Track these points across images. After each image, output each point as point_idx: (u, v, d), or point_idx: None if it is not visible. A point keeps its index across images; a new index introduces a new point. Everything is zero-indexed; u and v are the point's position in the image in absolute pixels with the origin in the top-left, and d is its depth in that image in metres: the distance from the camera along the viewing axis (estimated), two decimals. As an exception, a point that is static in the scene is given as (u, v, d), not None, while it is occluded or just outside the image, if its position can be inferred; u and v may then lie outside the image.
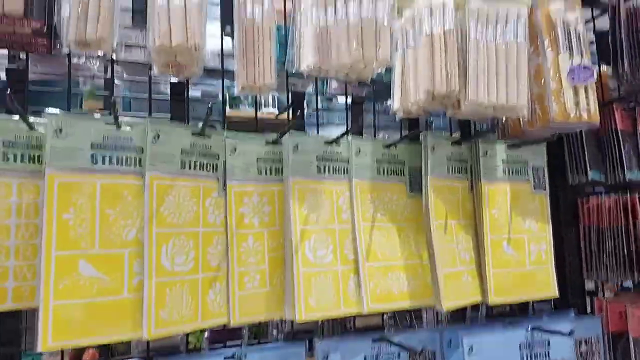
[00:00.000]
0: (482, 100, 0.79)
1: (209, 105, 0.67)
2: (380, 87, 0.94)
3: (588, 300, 1.08)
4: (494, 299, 0.90)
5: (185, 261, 0.69)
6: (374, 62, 0.73)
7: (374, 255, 0.83)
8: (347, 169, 0.84)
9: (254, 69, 0.71)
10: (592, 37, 1.19)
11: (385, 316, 0.93)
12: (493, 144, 0.94)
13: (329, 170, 0.82)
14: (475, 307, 1.00)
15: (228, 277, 0.74)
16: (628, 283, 1.10)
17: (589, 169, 1.02)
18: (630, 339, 0.95)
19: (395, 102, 0.86)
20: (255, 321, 0.77)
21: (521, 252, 0.93)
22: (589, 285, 1.11)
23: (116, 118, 0.61)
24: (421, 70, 0.80)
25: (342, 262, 0.81)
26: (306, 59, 0.73)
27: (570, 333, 0.88)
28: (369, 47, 0.73)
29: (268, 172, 0.80)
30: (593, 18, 1.16)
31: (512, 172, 0.95)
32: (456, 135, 1.00)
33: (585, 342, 0.95)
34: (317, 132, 0.90)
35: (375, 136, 0.96)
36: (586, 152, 1.03)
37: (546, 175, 0.99)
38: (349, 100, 0.93)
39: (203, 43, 0.66)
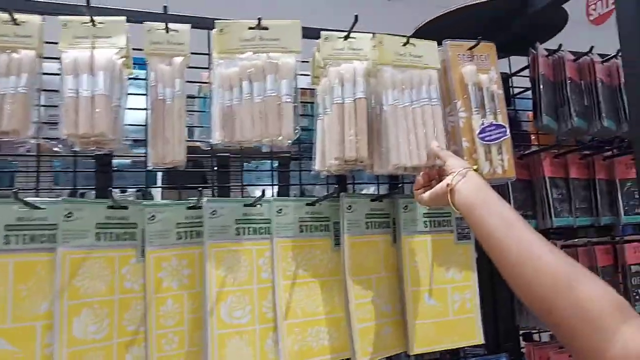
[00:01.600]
0: (405, 162, 0.84)
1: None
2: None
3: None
4: (415, 349, 0.93)
5: (99, 329, 0.74)
6: (279, 137, 0.78)
7: (293, 312, 0.88)
8: (268, 229, 0.89)
9: (163, 147, 0.76)
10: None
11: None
12: (412, 198, 0.98)
13: (248, 232, 0.87)
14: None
15: (146, 340, 0.79)
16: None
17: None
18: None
19: (317, 163, 0.91)
20: (174, 382, 0.81)
21: (443, 302, 0.97)
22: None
23: (26, 203, 0.67)
24: (332, 136, 0.85)
25: (260, 321, 0.85)
26: (214, 134, 0.79)
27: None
28: (272, 123, 0.78)
29: (188, 236, 0.85)
30: (529, 65, 1.21)
31: (435, 224, 0.99)
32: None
33: (511, 388, 0.98)
34: (242, 195, 0.94)
35: (303, 194, 1.01)
36: (512, 199, 1.07)
37: (471, 224, 1.02)
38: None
39: (111, 129, 0.71)
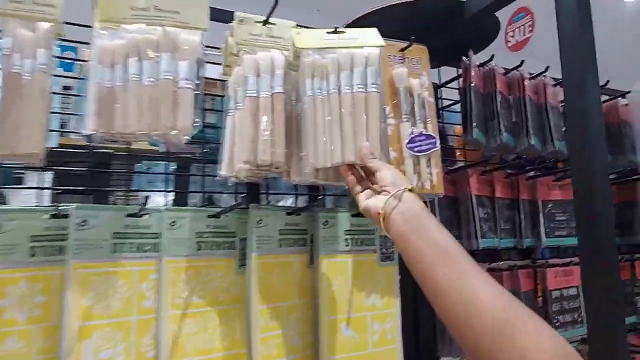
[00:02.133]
0: (324, 162, 0.70)
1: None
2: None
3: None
4: (329, 389, 0.80)
5: None
6: (172, 131, 0.63)
7: (182, 350, 0.71)
8: (157, 246, 0.72)
9: (12, 134, 0.58)
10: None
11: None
12: (335, 212, 0.86)
13: (130, 249, 0.70)
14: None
15: (-28, 392, 0.59)
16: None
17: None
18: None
19: (223, 166, 0.76)
20: None
21: (362, 333, 0.86)
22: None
23: None
24: (243, 135, 0.71)
25: (139, 360, 0.68)
26: (87, 122, 0.61)
27: None
28: (165, 113, 0.62)
29: (47, 252, 0.65)
30: (458, 77, 1.15)
31: (357, 243, 0.88)
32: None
33: None
34: (127, 203, 0.77)
35: (209, 203, 0.85)
36: (438, 217, 0.99)
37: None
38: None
39: None
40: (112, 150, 0.74)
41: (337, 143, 0.71)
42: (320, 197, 0.85)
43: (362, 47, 0.74)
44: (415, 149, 0.83)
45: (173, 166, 0.79)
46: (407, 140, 0.82)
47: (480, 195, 1.06)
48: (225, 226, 0.79)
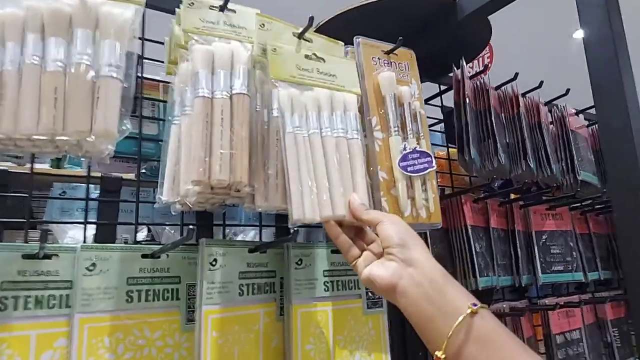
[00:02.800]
0: (311, 216, 0.55)
1: None
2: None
3: None
4: None
5: None
6: (85, 136, 0.44)
7: None
8: (66, 299, 0.52)
9: None
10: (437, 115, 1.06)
11: None
12: (311, 248, 0.69)
13: (25, 305, 0.49)
14: None
15: None
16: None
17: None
18: None
19: (165, 191, 0.58)
20: None
21: (347, 403, 0.67)
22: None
23: None
24: (193, 148, 0.53)
25: None
26: (-41, 122, 0.42)
27: None
28: (77, 110, 0.44)
29: None
30: (440, 93, 1.03)
31: (338, 287, 0.71)
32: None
33: None
34: (26, 240, 0.56)
35: (150, 240, 0.66)
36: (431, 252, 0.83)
37: (384, 286, 0.76)
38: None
39: None
40: (8, 167, 0.54)
41: (323, 192, 0.56)
42: (294, 229, 0.68)
43: (338, 89, 0.63)
44: (409, 169, 0.67)
45: (96, 191, 0.60)
46: (399, 158, 0.67)
47: (475, 226, 0.91)
48: (166, 269, 0.60)
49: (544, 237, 1.09)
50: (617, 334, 1.16)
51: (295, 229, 0.59)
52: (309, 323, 0.66)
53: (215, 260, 0.59)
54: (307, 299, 0.67)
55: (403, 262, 0.47)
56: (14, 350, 0.48)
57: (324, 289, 0.69)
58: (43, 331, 0.50)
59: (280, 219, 0.75)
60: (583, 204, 1.18)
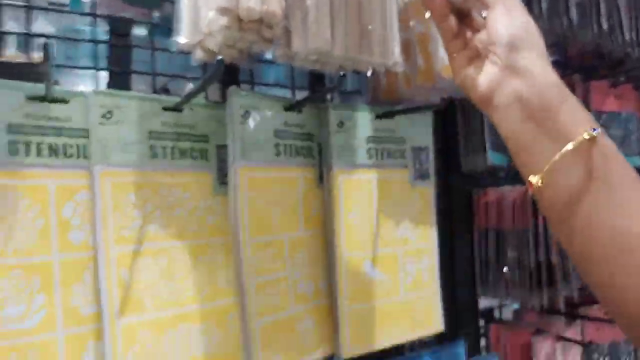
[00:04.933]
0: (324, 47, 0.46)
1: None
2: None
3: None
4: (349, 349, 0.58)
5: None
6: None
7: (137, 304, 0.47)
8: (84, 149, 0.46)
9: None
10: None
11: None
12: (352, 111, 0.61)
13: (38, 152, 0.44)
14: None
15: None
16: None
17: (488, 150, 0.73)
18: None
19: (183, 31, 0.49)
20: None
21: (392, 274, 0.63)
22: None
23: None
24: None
25: (68, 321, 0.44)
26: None
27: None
28: None
29: None
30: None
31: (383, 155, 0.64)
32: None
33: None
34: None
35: (155, 90, 0.58)
36: (486, 127, 0.74)
37: (431, 158, 0.68)
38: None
39: None
40: None
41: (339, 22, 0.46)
42: (332, 87, 0.59)
43: None
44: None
45: (104, 34, 0.51)
46: None
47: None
48: (192, 125, 0.53)
49: (603, 117, 0.98)
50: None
51: (342, 74, 0.50)
52: (351, 190, 0.60)
53: (247, 112, 0.51)
54: (349, 166, 0.60)
55: (508, 69, 0.36)
56: (32, 199, 0.43)
57: (368, 157, 0.62)
58: (62, 182, 0.45)
59: (314, 81, 0.67)
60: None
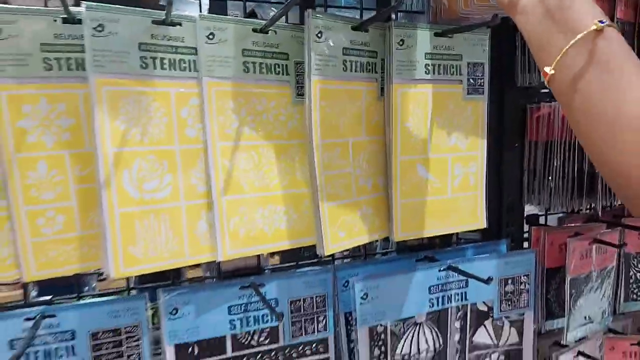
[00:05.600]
0: None
1: None
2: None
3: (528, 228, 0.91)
4: (401, 234, 0.71)
5: None
6: None
7: (237, 186, 0.62)
8: (193, 64, 0.59)
9: None
10: None
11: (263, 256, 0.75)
12: (412, 29, 0.68)
13: (162, 65, 0.57)
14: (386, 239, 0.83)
15: (11, 219, 0.53)
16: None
17: (544, 66, 0.77)
18: (567, 278, 0.80)
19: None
20: (63, 274, 0.57)
21: (442, 176, 0.73)
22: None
23: None
24: None
25: (188, 196, 0.60)
26: None
27: (489, 280, 0.71)
28: None
29: (64, 65, 0.54)
30: None
31: (439, 70, 0.71)
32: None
33: (512, 281, 0.79)
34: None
35: (247, 12, 0.68)
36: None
37: (487, 74, 0.75)
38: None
39: None
40: None
41: None
42: (394, 6, 0.66)
43: None
44: None
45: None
46: None
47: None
48: (277, 44, 0.63)
49: None
50: None
51: (397, 2, 0.58)
52: (409, 102, 0.69)
53: (320, 32, 0.61)
54: (408, 80, 0.69)
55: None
56: (160, 103, 0.57)
57: (425, 72, 0.70)
58: (179, 90, 0.58)
59: (381, 3, 0.73)
60: None
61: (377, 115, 0.70)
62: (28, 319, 0.57)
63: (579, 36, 0.39)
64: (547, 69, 0.42)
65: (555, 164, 0.79)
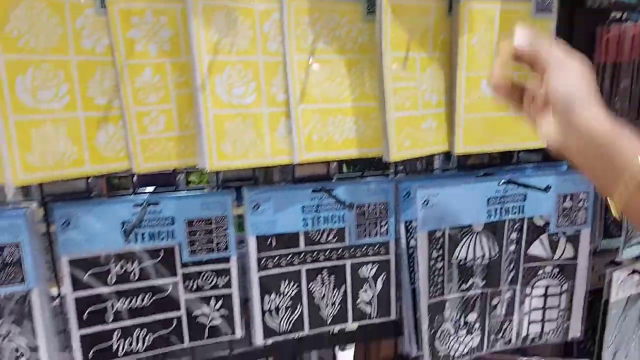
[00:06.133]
0: None
1: None
2: None
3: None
4: (462, 147, 0.75)
5: (55, 96, 0.57)
6: None
7: (311, 96, 0.68)
8: (276, -17, 0.64)
9: None
10: None
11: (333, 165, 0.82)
12: (484, -56, 0.69)
13: (247, -17, 0.63)
14: (449, 156, 0.87)
15: (123, 118, 0.62)
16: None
17: (618, -17, 0.76)
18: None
19: None
20: (164, 168, 0.66)
21: (505, 94, 0.75)
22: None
23: None
24: None
25: (269, 103, 0.67)
26: None
27: (547, 188, 0.74)
28: None
29: (166, -17, 0.61)
30: None
31: (508, -13, 0.72)
32: None
33: (571, 197, 0.82)
34: None
35: None
36: None
37: (556, -8, 0.75)
38: None
39: None
40: None
41: None
42: None
43: None
44: None
45: None
46: None
47: None
48: (351, -37, 0.67)
49: None
50: None
51: None
52: (476, 19, 0.71)
53: (394, -53, 0.64)
54: (476, -3, 0.70)
55: (567, 125, 0.42)
56: (245, 17, 0.63)
57: (494, -12, 0.71)
58: (262, 7, 0.64)
59: None
60: None
61: (445, 32, 0.73)
62: (136, 205, 0.68)
63: (626, 174, 0.39)
64: (613, 211, 0.42)
65: (622, 85, 0.79)
